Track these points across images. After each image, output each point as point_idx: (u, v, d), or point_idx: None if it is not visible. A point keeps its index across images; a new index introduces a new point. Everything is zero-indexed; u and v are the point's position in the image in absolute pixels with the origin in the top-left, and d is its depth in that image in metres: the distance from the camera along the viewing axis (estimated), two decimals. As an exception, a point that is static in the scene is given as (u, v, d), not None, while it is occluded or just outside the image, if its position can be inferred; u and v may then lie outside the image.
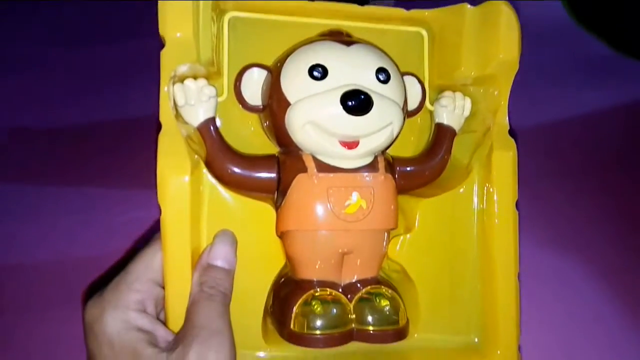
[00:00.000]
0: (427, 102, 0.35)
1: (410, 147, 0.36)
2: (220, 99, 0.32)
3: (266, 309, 0.31)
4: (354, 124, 0.29)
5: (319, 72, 0.29)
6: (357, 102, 0.28)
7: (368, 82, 0.29)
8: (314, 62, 0.29)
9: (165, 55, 0.28)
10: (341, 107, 0.28)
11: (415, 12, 0.34)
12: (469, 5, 0.32)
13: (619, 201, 0.49)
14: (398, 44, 0.35)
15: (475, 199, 0.33)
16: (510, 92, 0.32)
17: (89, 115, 0.52)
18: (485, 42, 0.32)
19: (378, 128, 0.30)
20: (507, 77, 0.32)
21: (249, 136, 0.33)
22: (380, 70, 0.30)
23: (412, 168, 0.34)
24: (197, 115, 0.30)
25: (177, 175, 0.27)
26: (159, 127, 0.28)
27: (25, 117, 0.52)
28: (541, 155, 0.49)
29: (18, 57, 0.55)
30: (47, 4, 0.58)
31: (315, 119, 0.29)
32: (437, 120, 0.35)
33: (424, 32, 0.35)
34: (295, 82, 0.29)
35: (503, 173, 0.32)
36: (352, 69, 0.30)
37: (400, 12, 0.34)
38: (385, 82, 0.30)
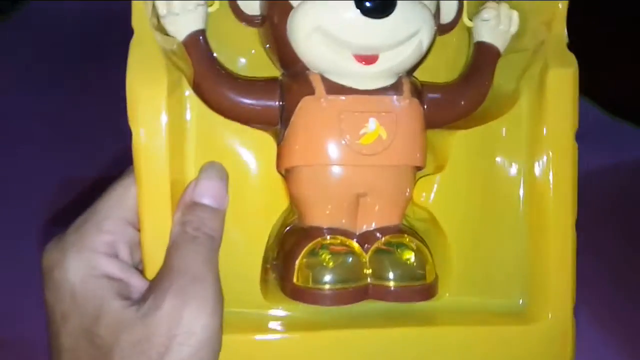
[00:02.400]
0: (464, 16, 0.28)
1: (442, 72, 0.29)
2: (210, 9, 0.26)
3: (266, 261, 0.27)
4: (372, 31, 0.23)
5: None
6: (376, 1, 0.22)
7: None
8: (324, -49, 0.23)
9: None
10: (355, 7, 0.22)
11: None
12: None
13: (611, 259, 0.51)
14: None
15: (524, 132, 0.27)
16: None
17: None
18: None
19: (403, 37, 0.24)
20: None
21: (248, 60, 0.28)
22: None
23: (445, 96, 0.28)
24: (182, 27, 0.25)
25: (151, 90, 0.22)
26: (130, 33, 0.23)
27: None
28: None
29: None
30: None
31: (323, 25, 0.23)
32: (477, 39, 0.28)
33: None
34: None
35: (561, 96, 0.25)
36: None
37: None
38: (412, -22, 0.24)
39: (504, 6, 0.28)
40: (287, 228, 0.27)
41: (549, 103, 0.25)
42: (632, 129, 0.63)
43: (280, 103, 0.26)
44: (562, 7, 0.26)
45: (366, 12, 0.22)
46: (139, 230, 0.23)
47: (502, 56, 0.28)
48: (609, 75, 0.60)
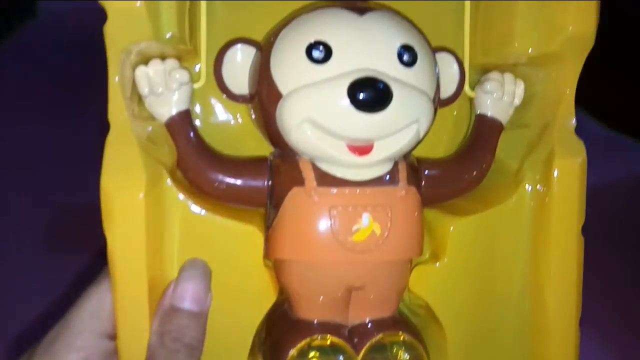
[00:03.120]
0: (466, 87, 0.27)
1: (442, 145, 0.28)
2: (196, 86, 0.24)
3: (254, 345, 0.25)
4: (367, 124, 0.21)
5: (319, 51, 0.21)
6: (370, 95, 0.21)
7: (387, 65, 0.22)
8: (313, 39, 0.22)
9: (110, 30, 0.20)
10: (349, 101, 0.21)
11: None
12: None
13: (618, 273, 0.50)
14: (429, 11, 0.26)
15: (526, 222, 0.25)
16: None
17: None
18: (549, 8, 0.23)
19: (399, 128, 0.22)
20: (576, 58, 0.23)
21: (235, 131, 0.26)
22: (404, 48, 0.22)
23: (444, 173, 0.26)
24: (165, 108, 0.23)
25: (127, 196, 0.20)
26: (106, 127, 0.21)
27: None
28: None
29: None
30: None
31: (314, 117, 0.21)
32: (479, 111, 0.27)
33: (467, -4, 0.26)
34: (288, 65, 0.22)
35: (568, 189, 0.24)
36: (366, 46, 0.22)
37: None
38: (410, 64, 0.22)
39: (509, 76, 0.26)
40: (276, 310, 0.26)
41: (556, 196, 0.24)
42: (632, 143, 0.63)
43: (269, 183, 0.24)
44: (570, 91, 0.24)
45: (360, 106, 0.21)
46: (115, 340, 0.21)
47: (508, 130, 0.27)
48: (608, 88, 0.58)
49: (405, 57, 0.22)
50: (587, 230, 0.24)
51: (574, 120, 0.24)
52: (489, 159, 0.26)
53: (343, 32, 0.22)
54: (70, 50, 0.61)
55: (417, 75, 0.22)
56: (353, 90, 0.21)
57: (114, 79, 0.21)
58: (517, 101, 0.26)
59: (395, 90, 0.21)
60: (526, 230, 0.25)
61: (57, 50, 0.62)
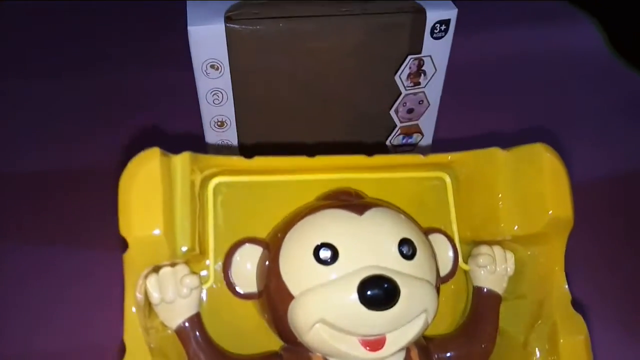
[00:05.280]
0: (460, 261, 0.28)
1: (444, 320, 0.28)
2: (205, 286, 0.25)
3: None
4: (378, 321, 0.22)
5: (327, 253, 0.23)
6: (379, 293, 0.22)
7: (390, 261, 0.23)
8: (319, 241, 0.23)
9: (129, 259, 0.21)
10: (359, 300, 0.22)
11: (434, 157, 0.28)
12: (501, 150, 0.27)
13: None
14: (417, 192, 0.29)
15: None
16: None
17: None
18: (529, 193, 0.26)
19: (408, 319, 0.23)
20: (560, 238, 0.26)
21: (245, 327, 0.26)
22: (403, 242, 0.24)
23: (453, 352, 0.26)
24: (175, 315, 0.24)
25: None
26: (122, 350, 0.21)
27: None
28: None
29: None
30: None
31: (327, 317, 0.22)
32: (475, 284, 0.28)
33: (447, 178, 0.29)
34: (297, 268, 0.23)
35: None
36: (369, 245, 0.23)
37: (416, 158, 0.28)
38: (410, 257, 0.24)
39: (498, 249, 0.28)
40: None
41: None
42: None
43: (282, 381, 0.24)
44: (558, 268, 0.25)
45: (370, 305, 0.22)
46: None
47: (508, 300, 0.28)
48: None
49: (405, 250, 0.24)
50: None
51: (569, 294, 0.26)
52: (493, 331, 0.27)
53: (346, 232, 0.24)
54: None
55: (418, 266, 0.24)
56: (362, 289, 0.22)
57: (131, 308, 0.22)
58: (510, 271, 0.28)
59: (402, 286, 0.22)
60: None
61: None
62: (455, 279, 0.29)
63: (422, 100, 0.38)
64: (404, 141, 0.40)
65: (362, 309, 0.22)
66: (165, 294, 0.23)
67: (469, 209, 0.29)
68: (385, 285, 0.22)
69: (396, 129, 0.39)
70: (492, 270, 0.28)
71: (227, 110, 0.35)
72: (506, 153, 0.27)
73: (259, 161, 0.26)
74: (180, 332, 0.24)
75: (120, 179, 0.21)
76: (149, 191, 0.21)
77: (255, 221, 0.26)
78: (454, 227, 0.29)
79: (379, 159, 0.27)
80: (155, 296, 0.23)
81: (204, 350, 0.24)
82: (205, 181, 0.25)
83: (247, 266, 0.25)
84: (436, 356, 0.26)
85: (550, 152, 0.26)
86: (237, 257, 0.25)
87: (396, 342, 0.23)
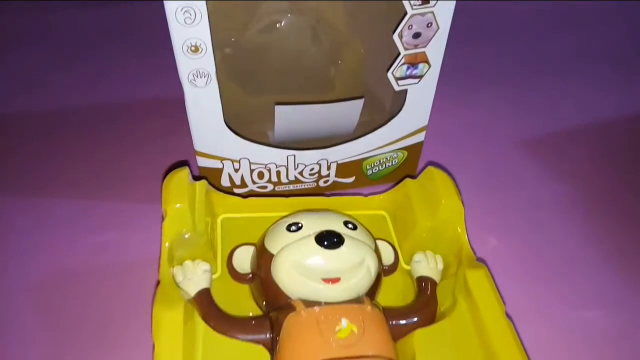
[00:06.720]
0: (402, 263, 0.39)
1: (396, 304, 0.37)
2: (214, 276, 0.36)
3: None
4: (330, 258, 0.32)
5: (294, 227, 0.34)
6: (329, 236, 0.33)
7: (338, 228, 0.34)
8: (289, 222, 0.35)
9: (167, 224, 0.34)
10: (316, 243, 0.33)
11: (371, 198, 0.42)
12: (409, 179, 0.41)
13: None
14: (366, 223, 0.41)
15: (468, 323, 0.33)
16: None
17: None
18: (429, 197, 0.39)
19: (354, 263, 0.33)
20: (456, 218, 0.37)
21: (240, 305, 0.35)
22: (347, 222, 0.36)
23: (403, 317, 0.35)
24: (193, 287, 0.34)
25: (172, 313, 0.29)
26: (157, 281, 0.31)
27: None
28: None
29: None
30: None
31: (297, 259, 0.32)
32: (416, 275, 0.38)
33: (385, 214, 0.42)
34: (275, 237, 0.34)
35: (483, 289, 0.33)
36: (323, 221, 0.35)
37: (359, 199, 0.42)
38: (353, 229, 0.35)
39: (429, 252, 0.39)
40: None
41: (477, 296, 0.33)
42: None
43: (271, 335, 0.32)
44: (463, 239, 0.37)
45: (323, 245, 0.32)
46: None
47: (440, 283, 0.37)
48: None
49: (349, 225, 0.35)
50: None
51: (473, 254, 0.36)
52: (433, 307, 0.36)
53: (308, 217, 0.36)
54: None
55: (359, 234, 0.35)
56: (318, 237, 0.33)
57: (166, 256, 0.33)
58: (440, 266, 0.38)
59: (346, 237, 0.33)
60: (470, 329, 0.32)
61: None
62: (402, 279, 0.38)
63: (431, 23, 0.30)
64: (409, 72, 0.33)
65: (318, 247, 0.32)
66: (186, 273, 0.34)
67: (401, 226, 0.40)
68: (334, 232, 0.33)
69: (400, 57, 0.32)
70: (427, 264, 0.38)
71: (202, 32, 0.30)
72: (414, 180, 0.41)
73: (251, 200, 0.39)
74: (196, 298, 0.33)
75: (164, 181, 0.35)
76: (179, 186, 0.35)
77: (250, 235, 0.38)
78: (396, 244, 0.40)
79: (332, 200, 0.41)
80: (180, 277, 0.34)
81: (211, 309, 0.33)
82: (214, 217, 0.39)
83: (243, 258, 0.36)
84: (392, 322, 0.34)
85: (437, 169, 0.40)
86: (237, 252, 0.36)
87: (348, 281, 0.32)
